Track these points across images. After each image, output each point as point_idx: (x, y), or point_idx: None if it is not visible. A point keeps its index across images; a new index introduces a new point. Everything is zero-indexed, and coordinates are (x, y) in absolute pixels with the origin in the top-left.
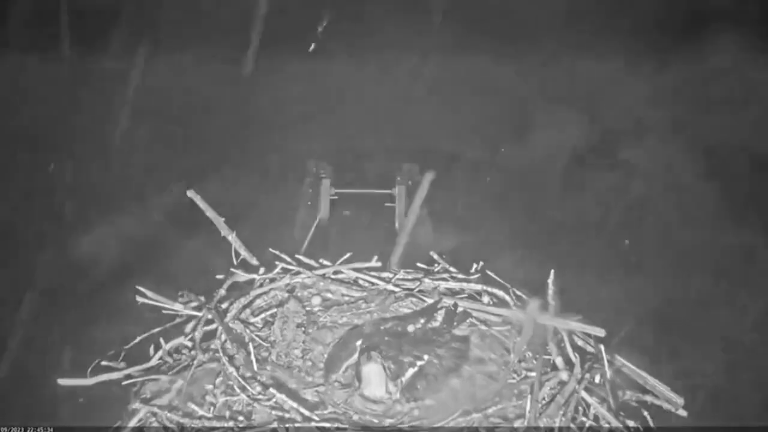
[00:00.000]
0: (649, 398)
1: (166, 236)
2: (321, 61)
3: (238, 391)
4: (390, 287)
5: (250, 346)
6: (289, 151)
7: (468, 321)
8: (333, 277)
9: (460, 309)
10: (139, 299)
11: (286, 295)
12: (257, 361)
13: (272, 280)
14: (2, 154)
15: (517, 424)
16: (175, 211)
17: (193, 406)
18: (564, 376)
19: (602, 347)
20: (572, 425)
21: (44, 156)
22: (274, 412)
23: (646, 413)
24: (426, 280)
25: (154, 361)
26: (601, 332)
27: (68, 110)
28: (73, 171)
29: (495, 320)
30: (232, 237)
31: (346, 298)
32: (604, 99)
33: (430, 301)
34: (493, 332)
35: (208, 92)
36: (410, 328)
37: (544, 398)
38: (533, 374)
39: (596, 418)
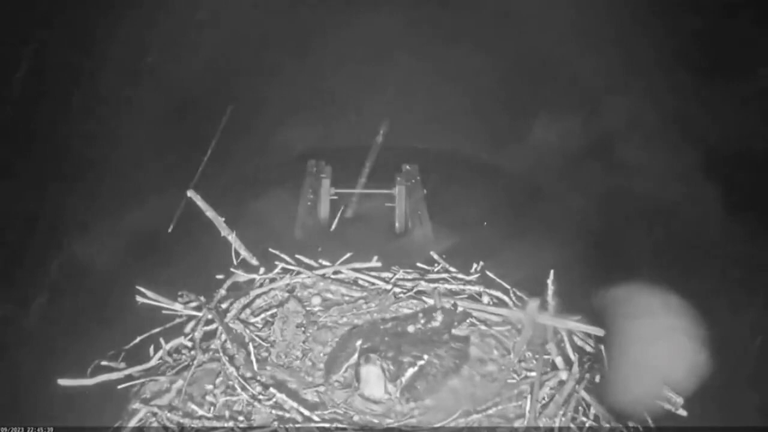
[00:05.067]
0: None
1: (166, 236)
2: (322, 61)
3: (238, 390)
4: (390, 287)
5: (250, 346)
6: (289, 151)
7: (468, 321)
8: (333, 277)
9: (459, 309)
10: (139, 299)
11: (286, 295)
12: (257, 361)
13: (272, 280)
14: (2, 155)
15: (517, 424)
16: (174, 211)
17: (193, 406)
18: (564, 375)
19: (602, 347)
20: (572, 425)
21: (43, 157)
22: (274, 412)
23: (645, 413)
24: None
25: (154, 361)
26: (600, 332)
27: (67, 111)
28: (73, 171)
29: (495, 320)
30: (232, 237)
31: (346, 298)
32: (605, 99)
33: (430, 301)
34: (493, 332)
35: (207, 93)
36: (410, 329)
37: (544, 398)
38: (533, 374)
39: (596, 418)
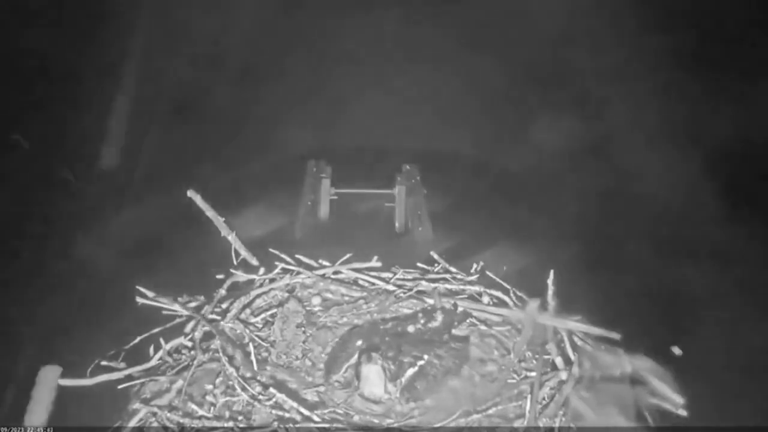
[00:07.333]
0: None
1: (166, 236)
2: (322, 62)
3: (238, 390)
4: (390, 287)
5: (250, 346)
6: (289, 151)
7: (468, 321)
8: (333, 277)
9: (459, 309)
10: (139, 299)
11: (286, 295)
12: (257, 361)
13: (272, 280)
14: (2, 156)
15: (517, 424)
16: (175, 211)
17: (193, 406)
18: (564, 375)
19: (602, 347)
20: (572, 425)
21: (44, 157)
22: (274, 412)
23: (646, 413)
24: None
25: (154, 361)
26: (600, 332)
27: (67, 115)
28: (74, 172)
29: (495, 320)
30: (232, 237)
31: (346, 298)
32: (603, 99)
33: (430, 301)
34: (493, 332)
35: (208, 93)
36: (410, 329)
37: (544, 398)
38: (533, 374)
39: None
